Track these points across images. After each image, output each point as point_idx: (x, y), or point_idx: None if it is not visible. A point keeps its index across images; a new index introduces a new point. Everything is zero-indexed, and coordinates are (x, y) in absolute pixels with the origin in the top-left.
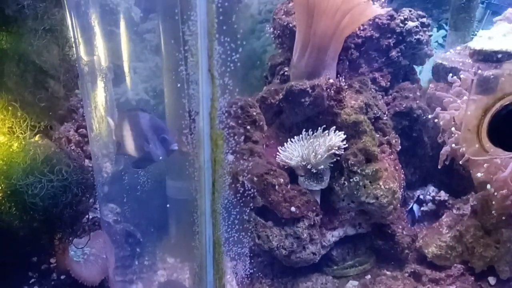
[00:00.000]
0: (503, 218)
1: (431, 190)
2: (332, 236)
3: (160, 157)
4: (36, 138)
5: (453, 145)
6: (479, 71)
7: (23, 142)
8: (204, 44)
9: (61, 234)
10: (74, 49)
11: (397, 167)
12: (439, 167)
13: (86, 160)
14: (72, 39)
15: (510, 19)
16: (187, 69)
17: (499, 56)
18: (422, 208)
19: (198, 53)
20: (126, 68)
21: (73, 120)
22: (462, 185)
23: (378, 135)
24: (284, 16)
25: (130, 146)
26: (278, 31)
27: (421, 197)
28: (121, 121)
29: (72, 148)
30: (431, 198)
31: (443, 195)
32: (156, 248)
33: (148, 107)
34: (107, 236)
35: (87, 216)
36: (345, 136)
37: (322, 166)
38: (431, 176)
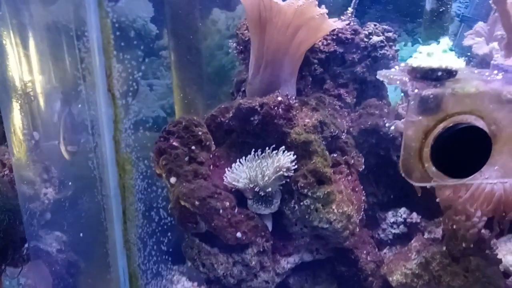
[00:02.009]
0: (471, 245)
1: (403, 211)
2: (287, 262)
3: (65, 154)
4: None
5: None
6: (416, 90)
7: None
8: (101, 62)
9: None
10: None
11: (356, 189)
12: (418, 194)
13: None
14: None
15: (480, 33)
16: (86, 88)
17: (439, 74)
18: (394, 231)
19: (95, 72)
20: (44, 89)
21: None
22: (437, 206)
23: (336, 155)
24: (246, 31)
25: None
26: (241, 47)
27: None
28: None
29: (5, 172)
30: (403, 220)
31: (415, 217)
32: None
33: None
34: (43, 266)
35: (24, 245)
36: (295, 156)
37: (270, 189)
38: (403, 197)
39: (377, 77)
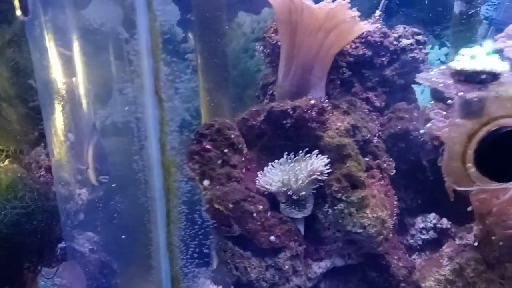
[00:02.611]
0: (506, 250)
1: (433, 217)
2: (319, 267)
3: (96, 186)
4: (6, 162)
5: None
6: (460, 93)
7: None
8: (149, 65)
9: (29, 263)
10: (35, 70)
11: (389, 193)
12: (451, 199)
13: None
14: (34, 60)
15: (511, 36)
16: (134, 91)
17: (483, 77)
18: (423, 237)
19: (143, 75)
20: (89, 91)
21: (44, 144)
22: (467, 211)
23: (368, 159)
24: (273, 34)
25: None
26: (268, 50)
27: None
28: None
29: (41, 173)
30: (433, 226)
31: (445, 223)
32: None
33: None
34: (77, 267)
35: (58, 245)
36: (329, 160)
37: (304, 192)
38: (433, 202)
39: (417, 80)
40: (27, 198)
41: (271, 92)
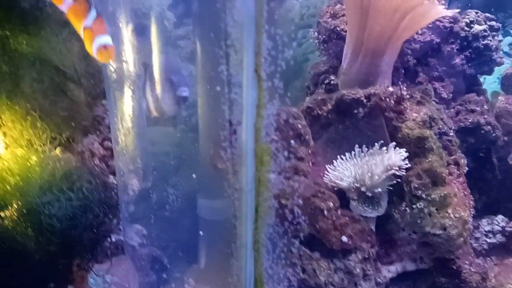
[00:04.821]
0: None
1: (501, 219)
2: (389, 271)
3: (171, 106)
4: (57, 151)
5: None
6: None
7: (41, 156)
8: (251, 38)
9: (80, 259)
10: None
11: (466, 192)
12: None
13: (111, 177)
14: None
15: None
16: (229, 69)
17: None
18: (489, 240)
19: (243, 49)
20: (158, 76)
21: (98, 132)
22: None
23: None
24: (330, 19)
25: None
26: (323, 36)
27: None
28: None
29: (95, 163)
30: (501, 229)
31: None
32: (186, 277)
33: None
34: (130, 262)
35: (109, 239)
36: (407, 154)
37: (379, 189)
38: (500, 203)
39: None
40: (84, 189)
41: (327, 81)
